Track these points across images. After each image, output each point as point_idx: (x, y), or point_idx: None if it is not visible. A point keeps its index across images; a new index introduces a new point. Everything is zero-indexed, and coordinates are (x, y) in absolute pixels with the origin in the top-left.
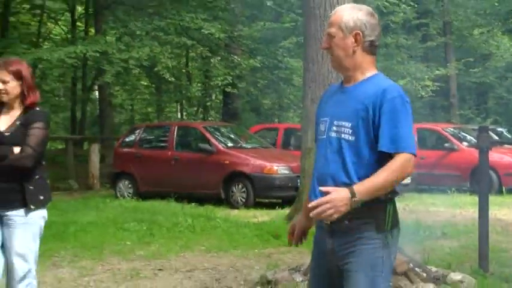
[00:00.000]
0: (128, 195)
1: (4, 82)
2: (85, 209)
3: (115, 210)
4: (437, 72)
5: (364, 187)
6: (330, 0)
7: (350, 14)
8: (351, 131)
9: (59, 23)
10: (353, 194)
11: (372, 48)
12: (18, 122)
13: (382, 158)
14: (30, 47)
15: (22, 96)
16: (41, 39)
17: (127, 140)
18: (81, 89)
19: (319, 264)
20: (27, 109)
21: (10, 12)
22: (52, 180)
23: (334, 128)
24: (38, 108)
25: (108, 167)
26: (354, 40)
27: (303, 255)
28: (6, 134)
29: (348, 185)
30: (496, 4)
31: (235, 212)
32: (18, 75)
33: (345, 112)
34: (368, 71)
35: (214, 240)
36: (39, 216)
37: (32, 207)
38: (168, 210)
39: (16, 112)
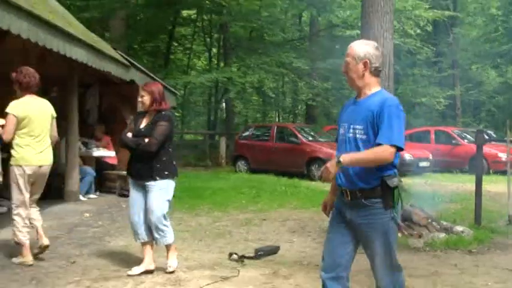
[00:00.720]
0: (244, 171)
1: (142, 96)
2: (216, 179)
3: (235, 180)
4: (447, 93)
5: (349, 158)
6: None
7: (360, 48)
8: (363, 131)
9: (201, 59)
10: (339, 162)
11: (376, 72)
12: (150, 122)
13: None
14: (182, 75)
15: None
16: (189, 69)
17: (243, 134)
18: (214, 101)
19: (337, 221)
20: (157, 113)
21: (171, 52)
22: (195, 160)
23: (351, 130)
24: (164, 112)
25: (231, 152)
26: (363, 66)
27: None
28: (142, 129)
29: (361, 170)
30: (487, 48)
31: (313, 183)
32: (149, 92)
33: (358, 118)
34: (374, 87)
35: (300, 201)
36: (167, 185)
37: (157, 178)
38: (269, 181)
39: (151, 116)
